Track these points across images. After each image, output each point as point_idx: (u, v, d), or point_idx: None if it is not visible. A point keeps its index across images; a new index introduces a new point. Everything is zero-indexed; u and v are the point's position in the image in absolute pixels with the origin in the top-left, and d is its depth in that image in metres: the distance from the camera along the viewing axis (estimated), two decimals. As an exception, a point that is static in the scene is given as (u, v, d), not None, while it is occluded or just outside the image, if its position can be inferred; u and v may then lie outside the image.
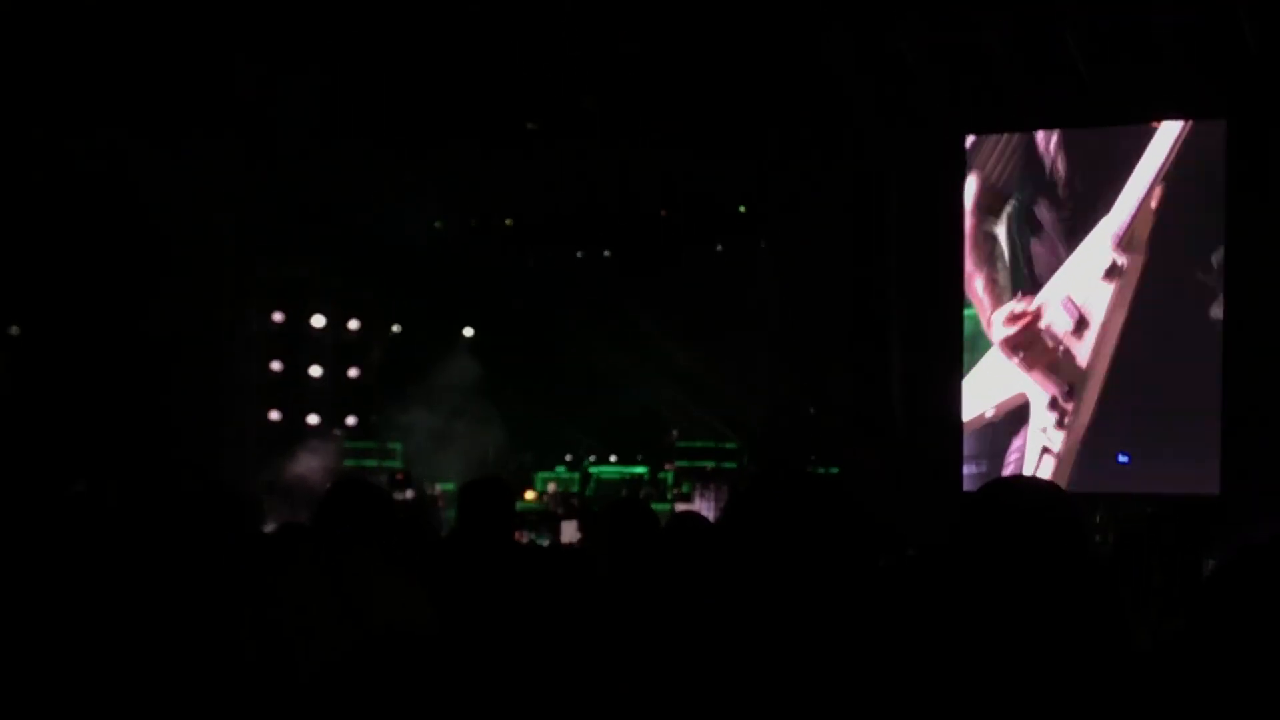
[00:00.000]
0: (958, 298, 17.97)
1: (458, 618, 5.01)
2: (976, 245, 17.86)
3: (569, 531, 14.59)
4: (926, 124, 17.57)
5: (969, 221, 17.83)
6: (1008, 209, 17.76)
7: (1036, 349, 17.59)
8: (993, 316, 17.83)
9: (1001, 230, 17.80)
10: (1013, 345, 17.67)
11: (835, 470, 17.99)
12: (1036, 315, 17.56)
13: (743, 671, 2.70)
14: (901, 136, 17.82)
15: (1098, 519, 14.58)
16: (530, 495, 21.17)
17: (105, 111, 17.75)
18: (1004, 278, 17.81)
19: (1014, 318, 17.66)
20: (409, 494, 20.03)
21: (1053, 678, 2.75)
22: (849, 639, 2.80)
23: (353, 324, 25.08)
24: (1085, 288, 17.29)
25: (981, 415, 17.89)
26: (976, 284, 17.88)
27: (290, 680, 4.30)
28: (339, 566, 4.77)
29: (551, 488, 21.31)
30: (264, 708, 4.10)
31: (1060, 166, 17.49)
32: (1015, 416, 17.73)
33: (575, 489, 21.58)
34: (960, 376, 17.95)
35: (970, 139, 18.04)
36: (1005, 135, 17.81)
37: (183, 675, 3.91)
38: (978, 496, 3.04)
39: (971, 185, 17.87)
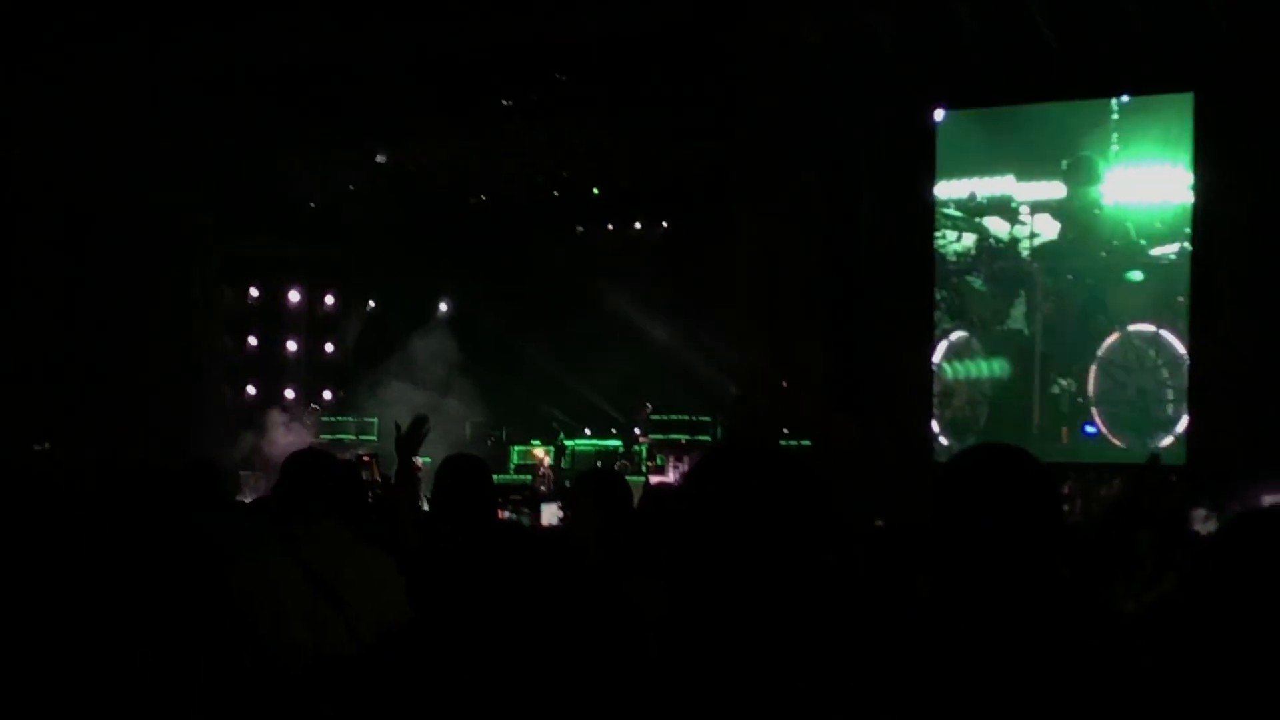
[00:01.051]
0: (929, 271, 18.08)
1: (435, 598, 4.90)
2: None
3: (550, 513, 14.51)
4: (897, 99, 17.62)
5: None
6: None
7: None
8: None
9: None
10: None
11: (807, 443, 18.08)
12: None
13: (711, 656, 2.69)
14: (872, 111, 17.87)
15: (1066, 488, 14.69)
16: (540, 453, 20.98)
17: (81, 88, 17.74)
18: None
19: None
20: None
21: (1035, 642, 2.86)
22: (807, 615, 2.81)
23: (329, 299, 25.14)
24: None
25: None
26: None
27: (260, 664, 4.19)
28: (304, 545, 4.63)
29: (544, 461, 21.15)
30: (233, 694, 4.01)
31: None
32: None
33: (551, 462, 21.65)
34: (931, 350, 18.05)
35: (940, 112, 18.12)
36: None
37: (143, 657, 3.82)
38: (953, 465, 3.18)
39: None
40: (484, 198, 23.13)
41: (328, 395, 24.67)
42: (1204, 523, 11.33)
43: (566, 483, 18.29)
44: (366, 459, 19.54)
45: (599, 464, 20.67)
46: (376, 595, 4.62)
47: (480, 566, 5.23)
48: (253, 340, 24.24)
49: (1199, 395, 16.49)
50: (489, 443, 22.15)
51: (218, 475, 6.49)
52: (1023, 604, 2.91)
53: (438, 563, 5.32)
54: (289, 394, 24.01)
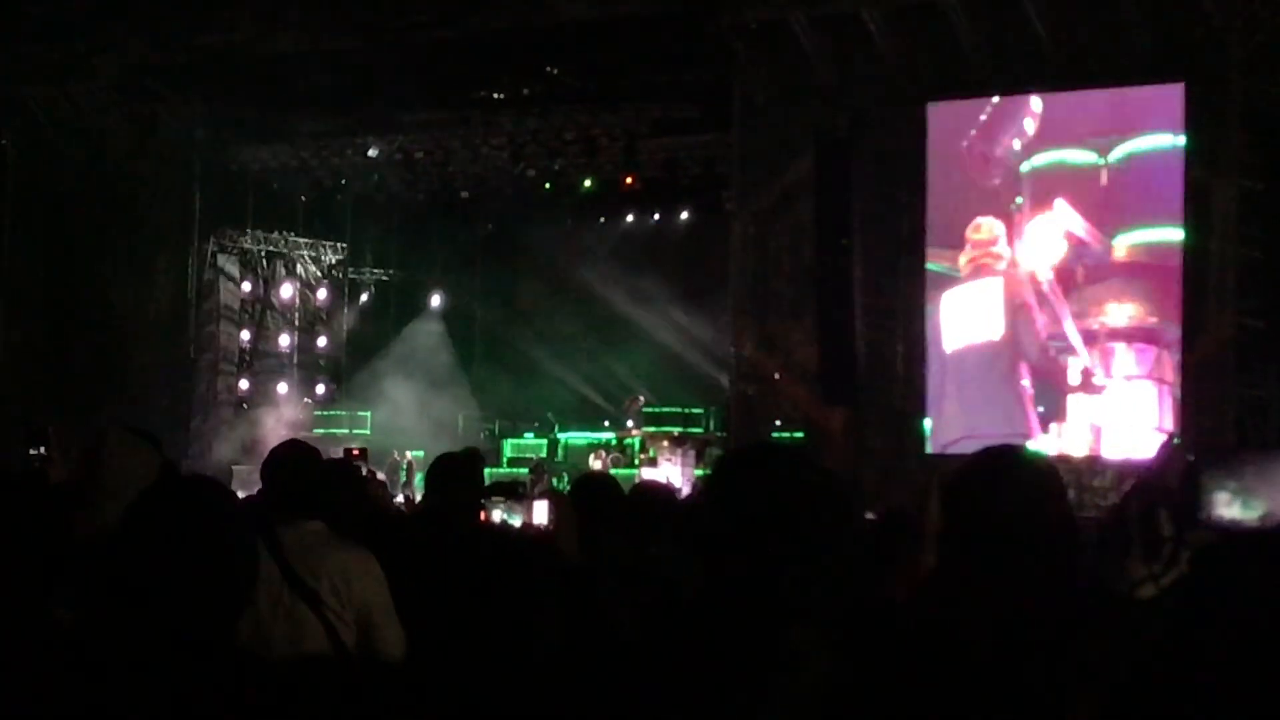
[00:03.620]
0: (920, 263, 18.07)
1: (417, 598, 4.86)
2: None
3: (542, 512, 14.44)
4: (888, 89, 17.64)
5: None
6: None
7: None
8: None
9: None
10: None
11: (800, 435, 18.12)
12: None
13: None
14: (864, 103, 17.88)
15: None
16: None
17: (74, 80, 17.76)
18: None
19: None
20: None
21: (1051, 631, 2.88)
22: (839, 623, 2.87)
23: (321, 293, 25.13)
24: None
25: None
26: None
27: (235, 667, 4.12)
28: (285, 545, 4.53)
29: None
30: (208, 697, 3.95)
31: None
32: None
33: (544, 454, 21.66)
34: (924, 342, 18.04)
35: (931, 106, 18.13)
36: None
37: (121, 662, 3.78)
38: (973, 466, 3.22)
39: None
40: (475, 191, 23.13)
41: (320, 389, 24.67)
42: (1227, 506, 11.34)
43: (556, 481, 18.32)
44: (357, 454, 19.53)
45: (591, 456, 20.69)
46: (363, 602, 4.59)
47: (463, 571, 5.20)
48: (245, 334, 24.23)
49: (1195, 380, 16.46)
50: (481, 435, 22.17)
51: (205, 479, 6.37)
52: (1040, 595, 2.98)
53: (423, 564, 5.30)
54: (281, 388, 24.00)
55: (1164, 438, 15.72)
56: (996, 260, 17.71)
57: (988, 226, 17.75)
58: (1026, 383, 17.55)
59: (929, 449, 17.74)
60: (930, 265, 18.05)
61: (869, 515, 10.01)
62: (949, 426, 17.69)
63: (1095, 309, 17.24)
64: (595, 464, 19.58)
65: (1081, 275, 17.29)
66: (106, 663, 2.94)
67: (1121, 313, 17.13)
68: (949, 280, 18.02)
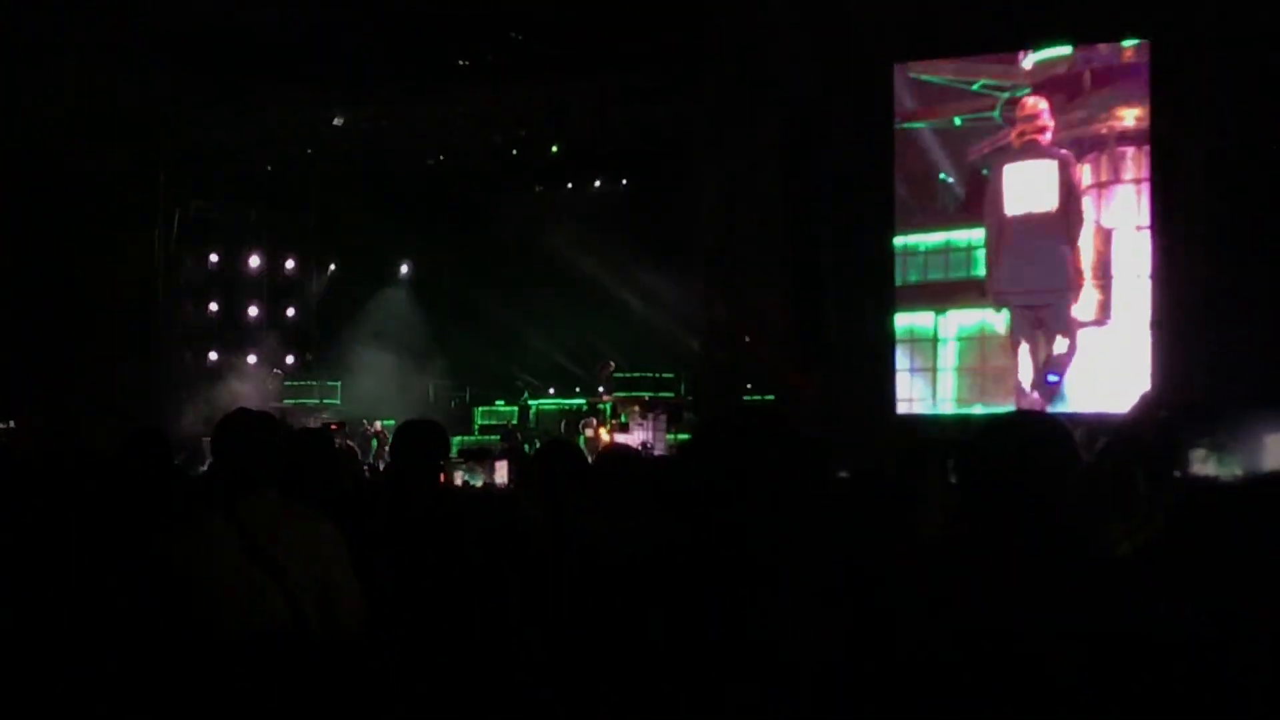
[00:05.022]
0: (888, 224, 18.10)
1: (381, 566, 4.86)
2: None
3: (502, 472, 14.41)
4: (855, 50, 17.61)
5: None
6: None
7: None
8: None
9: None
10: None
11: (771, 398, 18.13)
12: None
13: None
14: (831, 63, 17.85)
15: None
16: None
17: (34, 50, 17.60)
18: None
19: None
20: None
21: (1031, 589, 2.92)
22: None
23: (290, 263, 25.06)
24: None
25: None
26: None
27: (196, 639, 4.11)
28: (244, 515, 4.52)
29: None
30: (169, 668, 3.94)
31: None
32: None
33: (515, 422, 21.66)
34: (893, 302, 18.09)
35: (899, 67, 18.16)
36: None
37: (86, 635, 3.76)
38: (991, 430, 3.28)
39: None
40: (443, 158, 23.04)
41: (290, 359, 24.60)
42: (1204, 462, 11.34)
43: (529, 447, 18.30)
44: (335, 427, 19.53)
45: (563, 422, 20.69)
46: (322, 570, 4.56)
47: (427, 535, 5.21)
48: (214, 306, 24.15)
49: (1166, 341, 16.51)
50: (453, 404, 22.16)
51: (165, 443, 6.34)
52: (1031, 551, 3.01)
53: (385, 529, 5.31)
54: (251, 359, 23.92)
55: (1138, 395, 15.93)
56: (1043, 132, 17.70)
57: (1032, 104, 17.71)
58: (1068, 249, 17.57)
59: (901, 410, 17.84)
60: (908, 244, 18.17)
61: (841, 474, 10.02)
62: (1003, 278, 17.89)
63: (1103, 113, 17.35)
64: (588, 432, 19.59)
65: (1089, 80, 17.38)
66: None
67: (1130, 114, 17.21)
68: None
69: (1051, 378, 17.31)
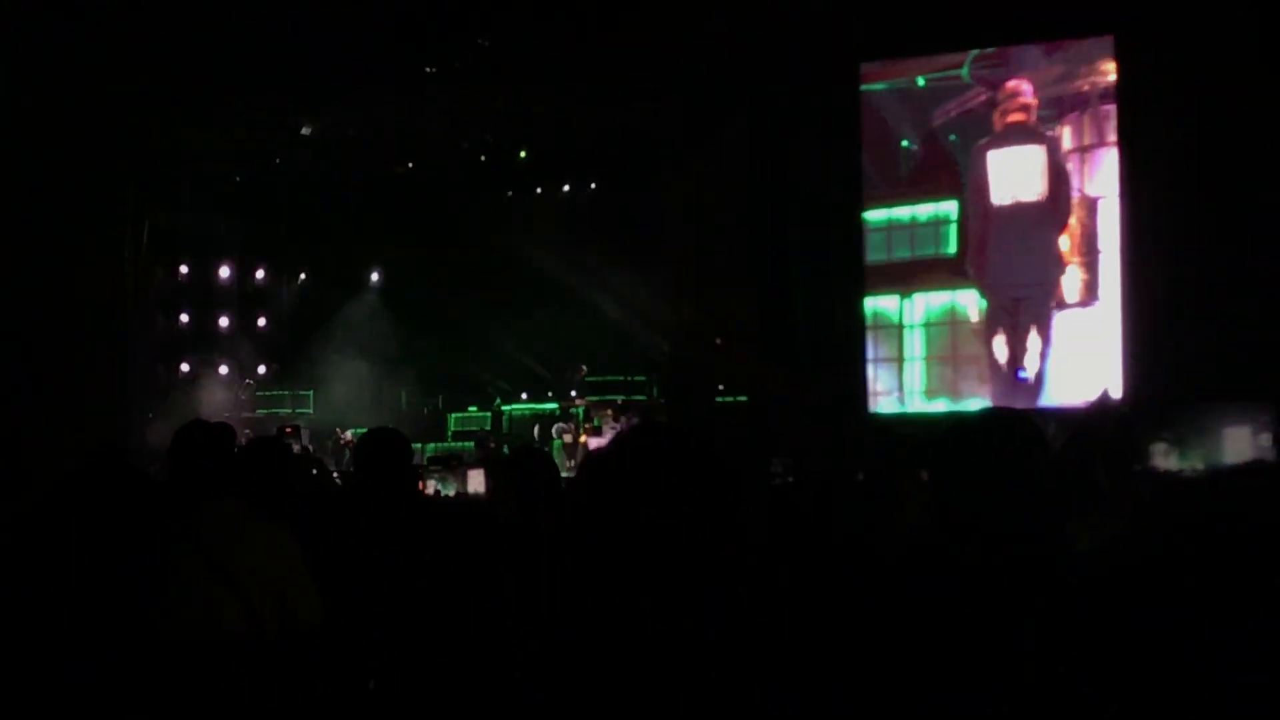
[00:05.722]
0: (857, 223, 18.12)
1: (346, 572, 4.85)
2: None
3: (476, 480, 14.35)
4: (820, 49, 17.63)
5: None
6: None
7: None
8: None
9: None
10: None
11: (743, 399, 18.19)
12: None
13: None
14: (796, 62, 17.87)
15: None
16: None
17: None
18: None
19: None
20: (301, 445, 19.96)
21: (995, 587, 2.94)
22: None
23: (259, 273, 25.04)
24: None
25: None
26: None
27: (152, 650, 4.09)
28: (201, 526, 4.53)
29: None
30: (125, 679, 3.92)
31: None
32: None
33: (488, 428, 21.66)
34: (862, 300, 18.09)
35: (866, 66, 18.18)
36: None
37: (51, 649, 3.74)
38: (962, 428, 3.31)
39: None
40: (411, 165, 23.03)
41: (262, 369, 24.58)
42: (1164, 456, 11.40)
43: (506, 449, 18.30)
44: (290, 431, 19.54)
45: (536, 428, 20.70)
46: (278, 576, 4.57)
47: (395, 541, 5.22)
48: (184, 317, 24.12)
49: (1139, 336, 16.49)
50: (425, 410, 22.14)
51: (122, 457, 6.32)
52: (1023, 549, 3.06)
53: (352, 540, 5.32)
54: (223, 369, 23.90)
55: (1099, 390, 15.90)
56: (1027, 111, 17.46)
57: (1014, 84, 17.52)
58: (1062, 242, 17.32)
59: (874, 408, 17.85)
60: (868, 219, 18.12)
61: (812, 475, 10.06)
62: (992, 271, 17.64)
63: (1084, 65, 17.12)
64: (566, 438, 19.57)
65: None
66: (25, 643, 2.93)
67: (1113, 69, 16.95)
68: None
69: (1021, 374, 17.30)
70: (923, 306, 18.06)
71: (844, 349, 18.05)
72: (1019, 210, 17.52)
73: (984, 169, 17.72)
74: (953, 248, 17.94)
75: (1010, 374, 17.30)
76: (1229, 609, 2.66)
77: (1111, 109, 16.96)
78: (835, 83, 18.01)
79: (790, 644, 2.88)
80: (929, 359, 18.02)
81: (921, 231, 18.06)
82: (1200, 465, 10.48)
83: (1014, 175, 17.56)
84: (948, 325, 17.91)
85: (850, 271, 18.10)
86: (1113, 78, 16.93)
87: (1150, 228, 16.29)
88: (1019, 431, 3.26)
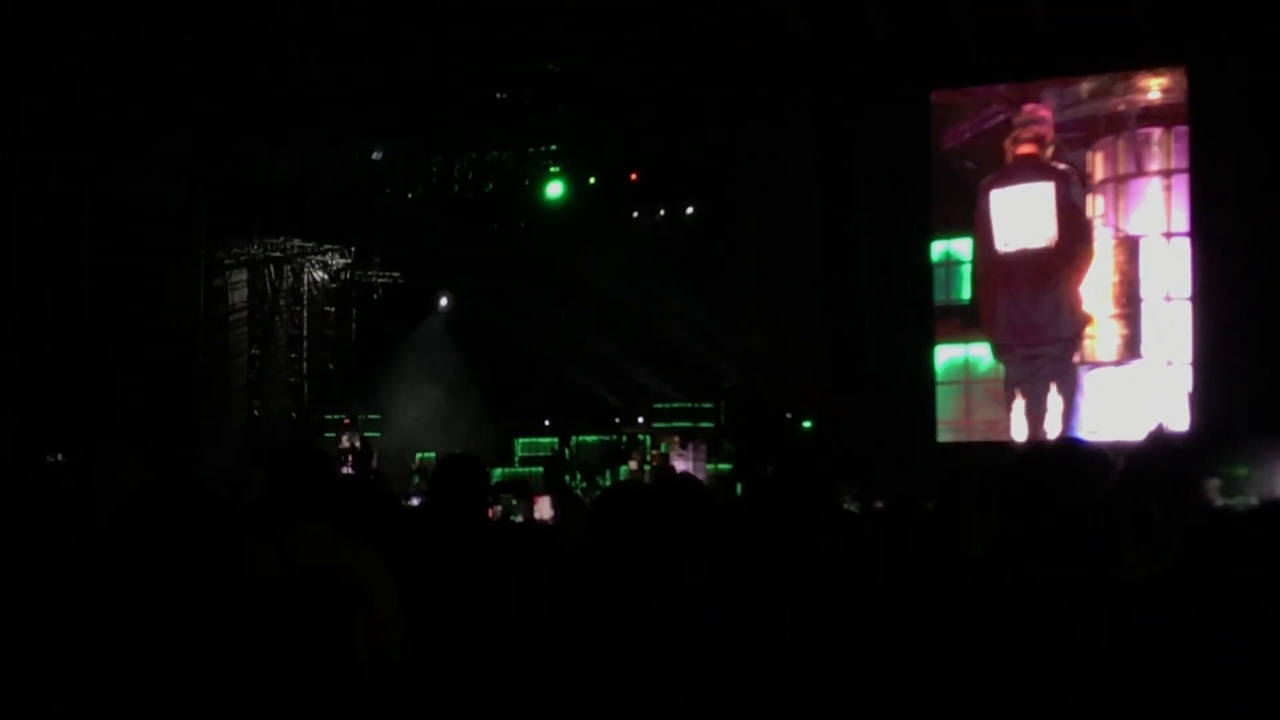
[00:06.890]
0: (926, 251, 18.03)
1: (427, 597, 4.88)
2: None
3: (543, 507, 14.31)
4: (890, 81, 17.59)
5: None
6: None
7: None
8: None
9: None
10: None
11: (809, 424, 18.15)
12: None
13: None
14: (866, 94, 17.86)
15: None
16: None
17: (69, 98, 17.75)
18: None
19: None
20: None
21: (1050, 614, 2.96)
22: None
23: (329, 298, 25.19)
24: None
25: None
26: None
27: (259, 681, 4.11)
28: (293, 548, 4.51)
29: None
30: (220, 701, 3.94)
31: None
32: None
33: (555, 451, 21.68)
34: (932, 328, 17.96)
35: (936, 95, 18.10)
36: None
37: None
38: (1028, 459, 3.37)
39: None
40: (481, 191, 23.13)
41: (331, 393, 24.72)
42: (1219, 492, 11.26)
43: (569, 478, 18.27)
44: (360, 446, 19.65)
45: (600, 455, 20.67)
46: (368, 599, 4.61)
47: (469, 567, 5.25)
48: (254, 341, 24.31)
49: (1208, 383, 16.13)
50: (492, 435, 22.19)
51: (185, 477, 6.37)
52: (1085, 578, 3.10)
53: (430, 563, 5.34)
54: (292, 394, 24.07)
55: (1154, 424, 15.47)
56: (1040, 141, 16.57)
57: (1030, 108, 16.81)
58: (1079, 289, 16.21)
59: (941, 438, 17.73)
60: (936, 252, 17.97)
61: (878, 504, 10.02)
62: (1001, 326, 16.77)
63: (1120, 83, 16.17)
64: (632, 465, 19.36)
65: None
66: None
67: (1155, 85, 15.90)
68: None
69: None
70: (939, 362, 17.39)
71: (912, 373, 17.90)
72: (1026, 258, 16.46)
73: (988, 210, 16.67)
74: (966, 292, 17.16)
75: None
76: (1273, 637, 2.68)
77: (1153, 133, 15.85)
78: (905, 112, 17.96)
79: (847, 673, 2.91)
80: (940, 424, 17.25)
81: (934, 273, 17.40)
82: (1254, 501, 10.34)
83: (1019, 218, 16.43)
84: (962, 385, 17.20)
85: (918, 292, 17.97)
86: (1153, 96, 15.93)
87: (1219, 269, 15.89)
88: (1091, 464, 3.28)
